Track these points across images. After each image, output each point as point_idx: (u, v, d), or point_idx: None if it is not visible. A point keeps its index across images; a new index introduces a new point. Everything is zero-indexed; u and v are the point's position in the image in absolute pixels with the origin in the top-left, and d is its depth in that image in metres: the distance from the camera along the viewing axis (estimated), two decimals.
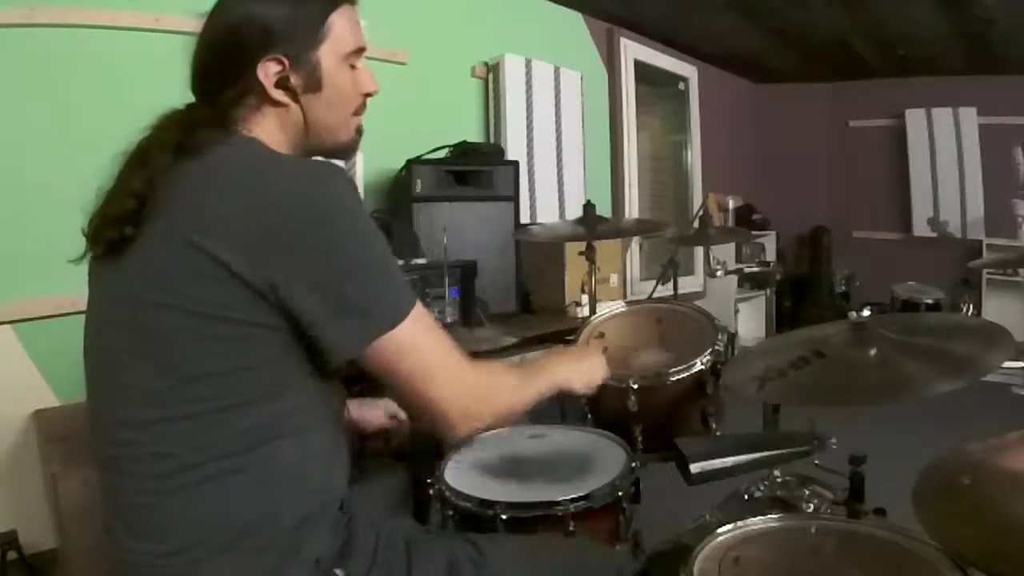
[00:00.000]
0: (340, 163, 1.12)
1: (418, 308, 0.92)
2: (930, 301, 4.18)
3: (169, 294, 0.84)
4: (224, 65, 0.95)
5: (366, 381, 1.39)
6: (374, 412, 1.41)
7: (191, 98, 1.00)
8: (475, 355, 2.18)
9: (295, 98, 0.96)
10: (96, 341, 0.94)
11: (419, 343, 0.92)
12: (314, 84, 0.98)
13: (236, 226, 0.83)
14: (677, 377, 1.62)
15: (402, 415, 1.43)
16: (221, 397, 0.85)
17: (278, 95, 0.96)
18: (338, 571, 0.90)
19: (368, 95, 1.05)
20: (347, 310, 0.86)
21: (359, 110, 1.06)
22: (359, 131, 1.08)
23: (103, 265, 0.93)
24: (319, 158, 1.05)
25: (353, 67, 1.02)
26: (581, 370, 1.27)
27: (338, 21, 0.98)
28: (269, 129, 0.98)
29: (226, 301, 0.83)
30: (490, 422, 1.02)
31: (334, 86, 1.00)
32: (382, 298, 0.89)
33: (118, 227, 0.88)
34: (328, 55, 0.98)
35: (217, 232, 0.83)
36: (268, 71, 0.94)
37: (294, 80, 0.96)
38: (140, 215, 0.87)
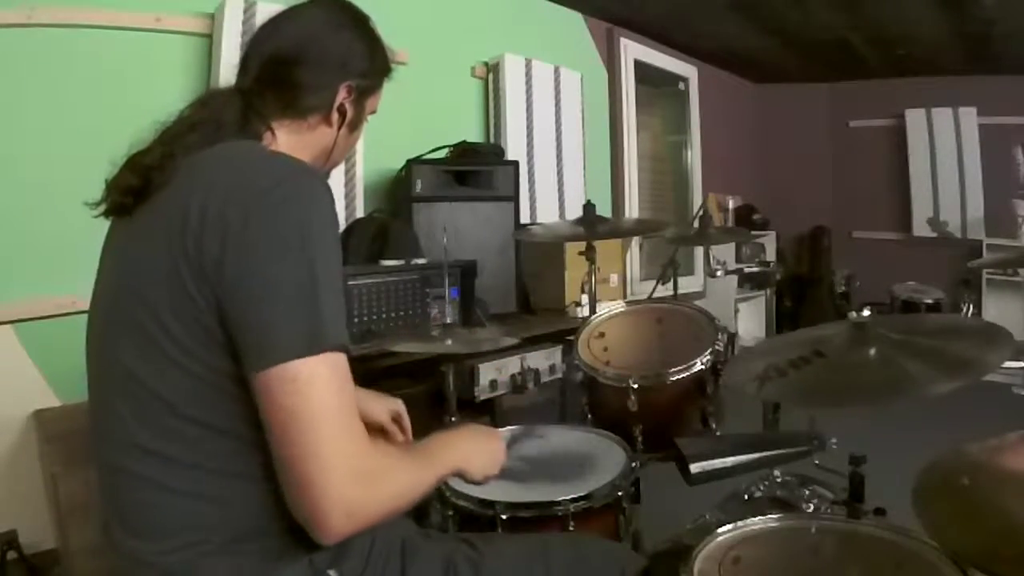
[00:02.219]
0: None
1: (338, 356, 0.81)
2: (930, 301, 4.19)
3: (154, 283, 0.83)
4: (313, 68, 1.01)
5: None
6: (377, 407, 1.36)
7: (190, 98, 1.01)
8: (471, 356, 2.21)
9: (339, 126, 1.05)
10: (96, 320, 0.94)
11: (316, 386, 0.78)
12: (354, 123, 1.08)
13: (202, 214, 0.82)
14: (677, 377, 1.63)
15: (405, 421, 1.38)
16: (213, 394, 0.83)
17: (334, 116, 1.04)
18: (331, 572, 0.89)
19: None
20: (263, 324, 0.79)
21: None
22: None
23: (116, 226, 0.96)
24: None
25: (364, 124, 1.13)
26: (481, 453, 1.09)
27: (382, 87, 1.12)
28: (302, 142, 1.02)
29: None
30: (373, 520, 0.82)
31: (357, 134, 1.11)
32: (302, 322, 0.79)
33: (119, 195, 0.92)
34: (368, 109, 1.10)
35: (191, 225, 0.82)
36: (344, 93, 1.03)
37: (349, 111, 1.05)
38: (143, 190, 0.90)
